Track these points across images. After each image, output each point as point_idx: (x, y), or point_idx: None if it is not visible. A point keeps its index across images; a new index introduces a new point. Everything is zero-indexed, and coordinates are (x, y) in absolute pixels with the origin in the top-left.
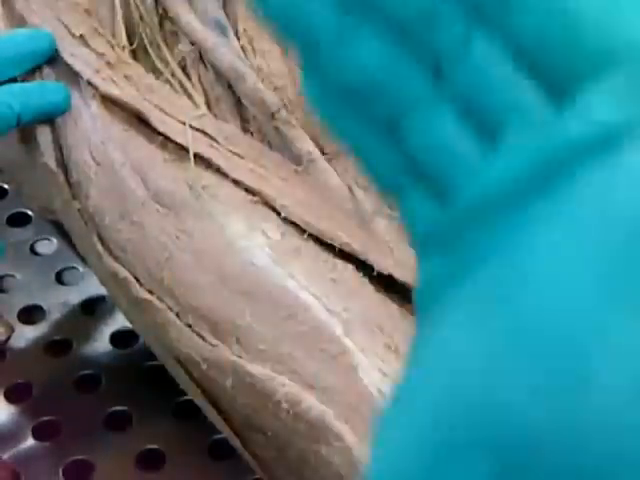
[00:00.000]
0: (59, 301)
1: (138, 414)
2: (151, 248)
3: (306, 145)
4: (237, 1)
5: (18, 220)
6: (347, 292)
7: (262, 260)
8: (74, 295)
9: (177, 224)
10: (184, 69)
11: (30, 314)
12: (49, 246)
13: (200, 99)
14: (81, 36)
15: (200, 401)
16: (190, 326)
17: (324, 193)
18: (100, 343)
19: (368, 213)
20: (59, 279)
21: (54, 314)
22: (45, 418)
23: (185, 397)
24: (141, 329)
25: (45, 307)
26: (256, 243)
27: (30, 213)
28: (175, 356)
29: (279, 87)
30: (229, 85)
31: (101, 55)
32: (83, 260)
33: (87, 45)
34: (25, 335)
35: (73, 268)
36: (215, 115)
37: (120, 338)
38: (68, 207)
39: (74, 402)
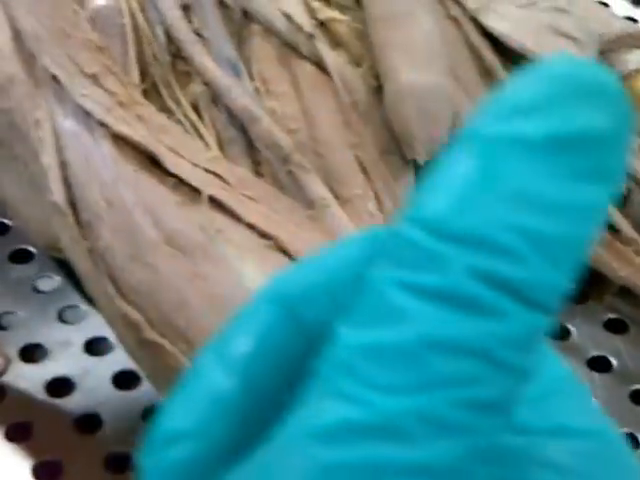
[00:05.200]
0: (60, 340)
1: None
2: (164, 291)
3: (319, 190)
4: (251, 42)
5: (20, 257)
6: None
7: None
8: (75, 334)
9: (191, 267)
10: (196, 109)
11: (31, 352)
12: (51, 283)
13: (212, 140)
14: (93, 75)
15: None
16: None
17: (337, 239)
18: (102, 383)
19: None
20: (60, 317)
21: (55, 353)
22: (45, 458)
23: None
24: (150, 373)
25: (46, 345)
26: None
27: (32, 250)
28: None
29: (292, 130)
30: (242, 127)
31: (113, 94)
32: (86, 299)
33: (99, 84)
34: (25, 374)
35: (75, 306)
36: (227, 157)
37: (122, 379)
38: (77, 246)
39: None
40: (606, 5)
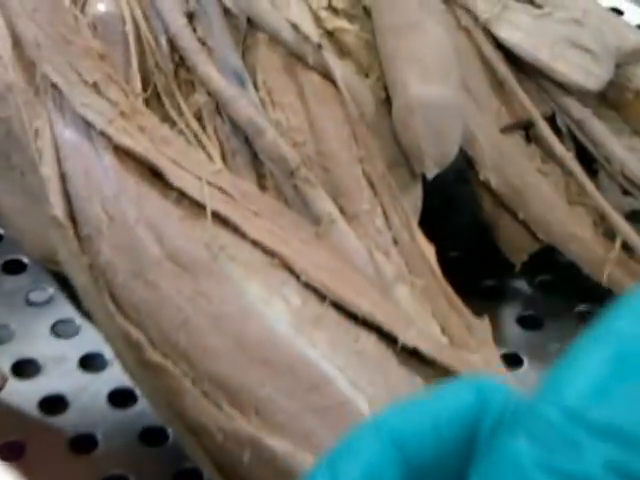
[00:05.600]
0: (54, 355)
1: (136, 478)
2: (166, 310)
3: (326, 205)
4: (257, 51)
5: (13, 267)
6: (372, 365)
7: (282, 327)
8: (70, 349)
9: (194, 286)
10: (199, 120)
11: (23, 367)
12: (45, 295)
13: (215, 152)
14: (94, 84)
15: (210, 473)
16: (206, 394)
17: (344, 256)
18: (97, 401)
19: (389, 279)
20: (54, 331)
21: (49, 368)
22: None
23: (186, 464)
24: (150, 393)
25: (39, 361)
26: (276, 309)
27: (25, 260)
28: (188, 424)
29: (298, 143)
30: (246, 139)
31: (115, 104)
32: (82, 312)
33: (100, 93)
34: (18, 390)
35: (70, 320)
36: (230, 169)
37: (118, 397)
38: (76, 261)
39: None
40: (620, 13)
